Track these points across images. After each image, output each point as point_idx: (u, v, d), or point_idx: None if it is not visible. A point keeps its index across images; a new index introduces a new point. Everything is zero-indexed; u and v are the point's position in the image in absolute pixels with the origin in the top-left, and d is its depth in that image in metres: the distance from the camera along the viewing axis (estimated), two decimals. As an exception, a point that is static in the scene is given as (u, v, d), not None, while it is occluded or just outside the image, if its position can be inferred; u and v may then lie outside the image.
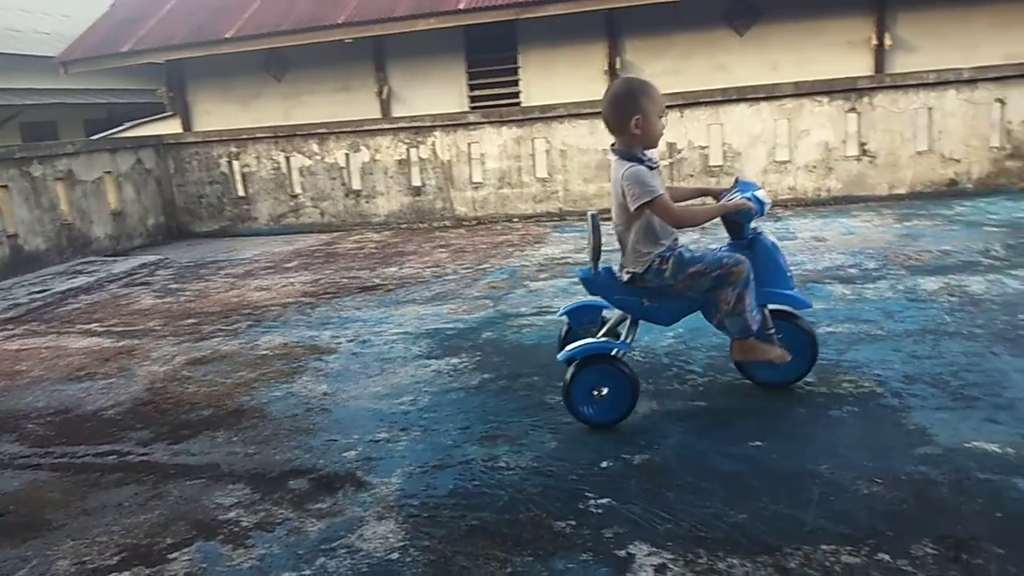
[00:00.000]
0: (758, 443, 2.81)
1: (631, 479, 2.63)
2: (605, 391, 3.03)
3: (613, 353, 3.09)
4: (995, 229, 6.21)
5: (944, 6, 10.77)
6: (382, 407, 3.46)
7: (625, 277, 3.13)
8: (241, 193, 9.77)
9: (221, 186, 9.80)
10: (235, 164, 9.73)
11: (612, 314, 3.37)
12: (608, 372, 3.05)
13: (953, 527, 2.20)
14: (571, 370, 3.05)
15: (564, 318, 3.54)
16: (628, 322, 3.22)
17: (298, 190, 9.59)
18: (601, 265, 3.17)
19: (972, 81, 7.81)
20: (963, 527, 2.20)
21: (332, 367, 4.10)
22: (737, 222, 3.14)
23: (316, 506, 2.61)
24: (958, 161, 7.96)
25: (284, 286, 6.34)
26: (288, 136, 9.51)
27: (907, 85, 7.97)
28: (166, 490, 2.85)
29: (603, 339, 3.22)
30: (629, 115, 2.94)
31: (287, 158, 9.53)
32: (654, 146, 3.07)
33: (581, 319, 3.51)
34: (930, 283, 4.72)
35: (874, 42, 10.92)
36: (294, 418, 3.43)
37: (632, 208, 2.94)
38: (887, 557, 2.09)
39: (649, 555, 2.18)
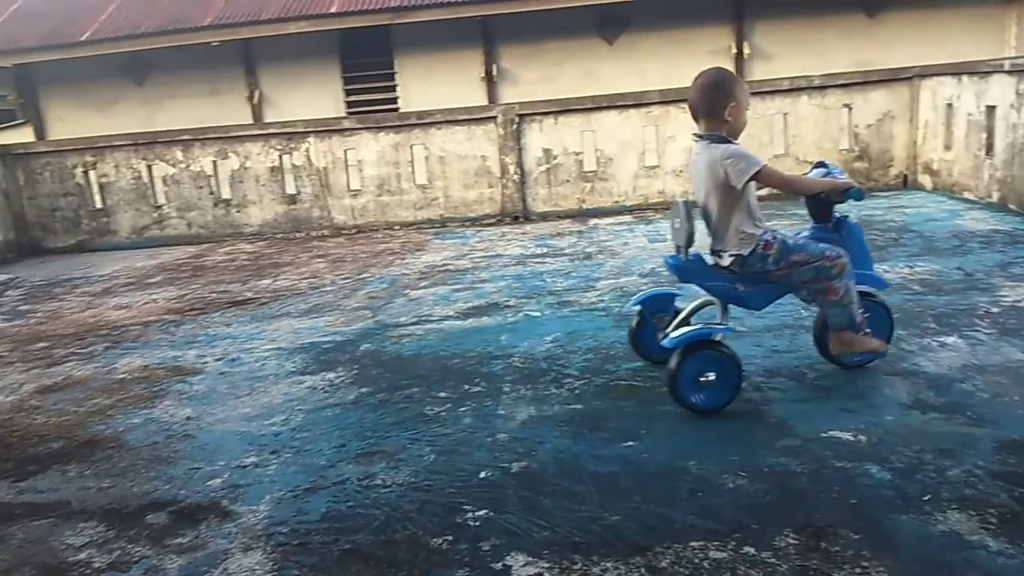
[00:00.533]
0: (630, 443, 2.87)
1: (509, 488, 2.62)
2: (712, 376, 3.01)
3: (716, 338, 3.07)
4: (846, 227, 6.63)
5: (797, 16, 11.48)
6: (251, 429, 3.31)
7: (727, 260, 3.10)
8: (99, 205, 9.19)
9: (77, 198, 9.19)
10: (92, 174, 9.15)
11: (686, 303, 3.39)
12: (712, 357, 3.02)
13: (812, 516, 2.30)
14: (675, 359, 3.00)
15: (636, 308, 3.55)
16: (719, 307, 3.21)
17: (162, 200, 9.11)
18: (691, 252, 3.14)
19: (823, 87, 8.33)
20: (821, 515, 2.30)
21: (197, 389, 3.89)
22: (827, 205, 3.19)
23: (176, 541, 2.46)
24: (811, 163, 8.45)
25: (146, 303, 5.99)
26: (149, 143, 9.03)
27: (764, 91, 8.41)
28: (9, 533, 2.61)
29: (704, 325, 3.16)
30: (724, 102, 2.99)
31: (149, 167, 9.04)
32: (737, 136, 3.07)
33: (654, 308, 3.52)
34: (789, 280, 4.98)
35: (734, 50, 11.50)
36: (154, 446, 3.23)
37: (741, 182, 2.92)
38: (752, 550, 2.16)
39: (525, 565, 2.17)
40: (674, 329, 3.35)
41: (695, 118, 3.11)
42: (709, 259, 3.21)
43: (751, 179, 2.94)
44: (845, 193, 3.10)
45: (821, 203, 3.23)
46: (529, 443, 2.95)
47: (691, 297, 3.45)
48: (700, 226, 3.15)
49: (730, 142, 3.03)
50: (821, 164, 3.36)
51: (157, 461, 3.08)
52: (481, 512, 2.47)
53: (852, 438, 2.76)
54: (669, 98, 8.43)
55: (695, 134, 3.12)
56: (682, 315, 3.41)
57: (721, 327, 3.14)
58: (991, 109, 6.89)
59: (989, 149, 6.95)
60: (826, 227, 3.24)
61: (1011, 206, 6.59)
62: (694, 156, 3.14)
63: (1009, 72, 6.60)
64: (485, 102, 11.72)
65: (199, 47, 11.74)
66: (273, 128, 9.10)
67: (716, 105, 3.01)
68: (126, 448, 3.24)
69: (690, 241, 3.11)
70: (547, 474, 2.70)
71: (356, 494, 2.66)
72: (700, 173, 3.09)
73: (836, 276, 3.05)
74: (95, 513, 2.70)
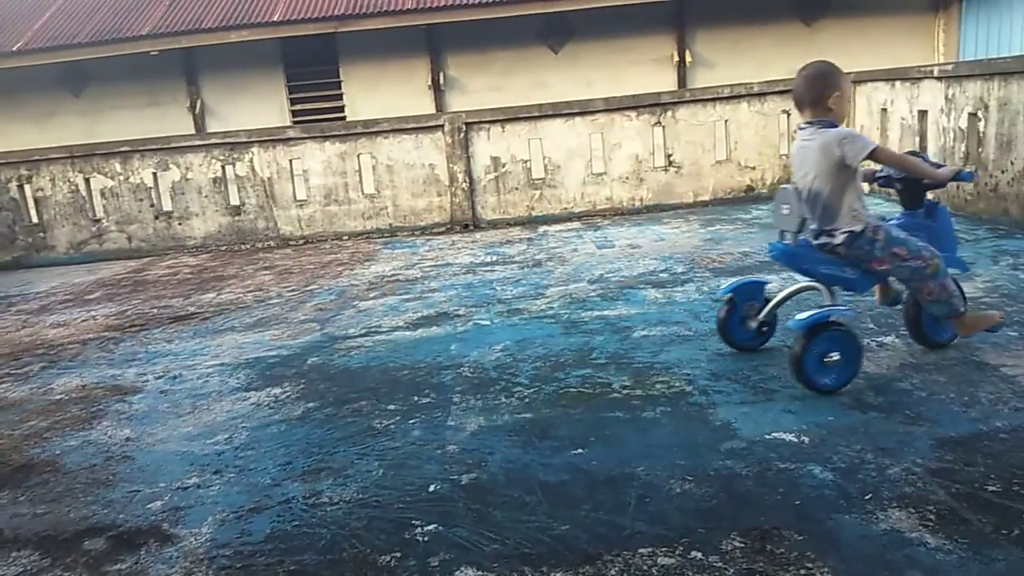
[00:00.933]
0: (579, 451, 2.87)
1: (458, 501, 2.60)
2: (836, 356, 3.08)
3: (836, 318, 3.14)
4: (788, 230, 6.77)
5: (737, 25, 11.72)
6: (193, 449, 3.23)
7: (840, 238, 3.19)
8: (35, 220, 8.91)
9: (11, 213, 8.88)
10: (27, 188, 8.86)
11: (774, 290, 3.57)
12: (835, 337, 3.10)
13: (757, 518, 2.33)
14: (800, 342, 3.06)
15: (727, 296, 3.63)
16: (825, 291, 3.29)
17: (101, 214, 8.86)
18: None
19: (762, 95, 8.51)
20: (766, 517, 2.33)
21: (137, 408, 3.78)
22: (920, 192, 3.37)
23: (115, 567, 2.38)
24: (753, 168, 8.65)
25: (84, 320, 5.81)
26: (86, 156, 8.77)
27: (705, 99, 8.57)
28: (-64, 566, 2.50)
29: (824, 306, 3.22)
30: (829, 91, 3.14)
31: (86, 180, 8.79)
32: (840, 124, 3.22)
33: (745, 296, 3.62)
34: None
35: (676, 59, 11.68)
36: (91, 469, 3.12)
37: (858, 160, 3.08)
38: (699, 555, 2.18)
39: (475, 579, 2.16)
40: (766, 316, 3.60)
41: (800, 108, 3.24)
42: (813, 243, 3.33)
43: (867, 157, 3.09)
44: (955, 176, 3.27)
45: (915, 190, 3.39)
46: (479, 454, 2.93)
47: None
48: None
49: (837, 127, 3.18)
50: (915, 153, 3.51)
51: (95, 484, 2.98)
52: (430, 527, 2.45)
53: (795, 439, 2.81)
54: (613, 106, 8.53)
55: (802, 123, 3.25)
56: (774, 302, 3.56)
57: (843, 308, 3.23)
58: (923, 114, 7.12)
59: (922, 152, 7.17)
60: (916, 214, 3.39)
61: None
62: (801, 142, 3.25)
63: (938, 78, 6.83)
64: (433, 111, 11.68)
65: (138, 57, 11.46)
66: (215, 138, 8.92)
67: (821, 95, 3.16)
68: (63, 472, 3.13)
69: (802, 226, 3.22)
70: (497, 485, 2.68)
71: (302, 513, 2.61)
72: (811, 156, 3.19)
73: (930, 276, 3.21)
74: (29, 541, 2.60)
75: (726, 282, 4.99)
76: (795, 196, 3.22)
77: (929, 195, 3.47)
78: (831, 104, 3.16)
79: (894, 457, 2.61)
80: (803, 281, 3.47)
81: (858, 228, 3.18)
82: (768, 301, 3.62)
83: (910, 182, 3.39)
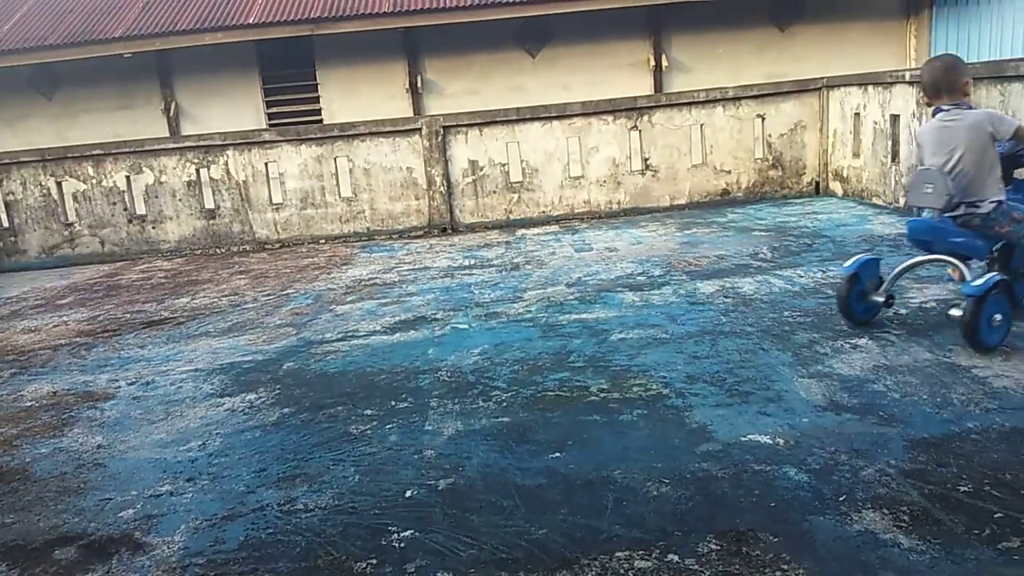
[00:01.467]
0: (557, 454, 2.87)
1: (435, 506, 2.59)
2: (999, 317, 3.39)
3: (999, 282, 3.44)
4: (762, 233, 6.83)
5: (713, 30, 11.82)
6: (166, 456, 3.18)
7: (987, 207, 3.52)
8: (5, 224, 8.77)
9: (-19, 217, 8.75)
10: (-4, 192, 8.73)
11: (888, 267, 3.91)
12: (1000, 300, 3.40)
13: (733, 520, 2.34)
14: (973, 307, 3.32)
15: (851, 273, 3.82)
16: (960, 263, 3.61)
17: (73, 217, 8.74)
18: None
19: (737, 99, 8.58)
20: (742, 520, 2.34)
21: (109, 415, 3.73)
22: (1011, 170, 3.70)
23: (85, 577, 2.34)
24: (728, 172, 8.72)
25: (56, 326, 5.72)
26: (58, 159, 8.65)
27: (681, 103, 8.62)
28: (-101, 579, 2.45)
29: (986, 274, 3.49)
30: (964, 78, 3.56)
31: (58, 183, 8.67)
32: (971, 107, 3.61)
33: (867, 273, 3.86)
34: (708, 287, 5.10)
35: (652, 63, 11.75)
36: (62, 477, 3.07)
37: (1009, 134, 3.45)
38: (676, 558, 2.18)
39: (452, 585, 2.15)
40: (888, 288, 3.86)
41: (935, 94, 3.61)
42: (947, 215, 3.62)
43: (1013, 135, 3.48)
44: None
45: (1010, 169, 3.71)
46: (456, 459, 2.92)
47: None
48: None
49: (974, 108, 3.59)
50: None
51: (66, 493, 2.93)
52: (407, 532, 2.43)
53: (770, 441, 2.83)
54: (590, 110, 8.56)
55: (942, 107, 3.59)
56: (893, 275, 3.86)
57: (996, 274, 3.49)
58: (895, 118, 7.21)
59: (895, 156, 7.27)
60: (1006, 190, 3.64)
61: (916, 211, 6.89)
62: (943, 124, 3.58)
63: (910, 83, 6.92)
64: (410, 114, 11.66)
65: (112, 59, 11.33)
66: (188, 141, 8.84)
67: (957, 81, 3.56)
68: (32, 480, 3.07)
69: (950, 203, 3.50)
70: (474, 490, 2.67)
71: (276, 520, 2.58)
72: (959, 135, 3.52)
73: None
74: (-4, 552, 2.55)
75: (702, 285, 5.10)
76: (939, 175, 3.49)
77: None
78: (967, 90, 3.57)
79: (868, 458, 2.63)
80: (919, 255, 3.83)
81: (1001, 198, 3.53)
82: (883, 278, 3.90)
83: (1008, 161, 3.69)
